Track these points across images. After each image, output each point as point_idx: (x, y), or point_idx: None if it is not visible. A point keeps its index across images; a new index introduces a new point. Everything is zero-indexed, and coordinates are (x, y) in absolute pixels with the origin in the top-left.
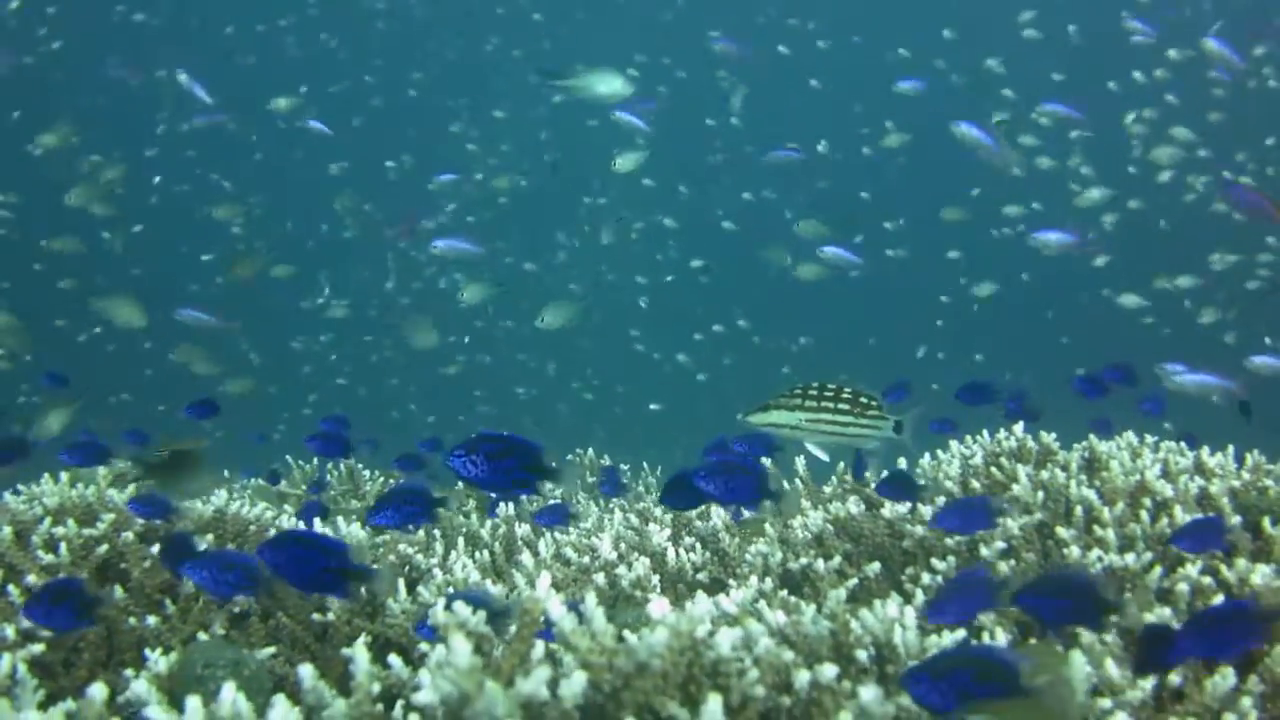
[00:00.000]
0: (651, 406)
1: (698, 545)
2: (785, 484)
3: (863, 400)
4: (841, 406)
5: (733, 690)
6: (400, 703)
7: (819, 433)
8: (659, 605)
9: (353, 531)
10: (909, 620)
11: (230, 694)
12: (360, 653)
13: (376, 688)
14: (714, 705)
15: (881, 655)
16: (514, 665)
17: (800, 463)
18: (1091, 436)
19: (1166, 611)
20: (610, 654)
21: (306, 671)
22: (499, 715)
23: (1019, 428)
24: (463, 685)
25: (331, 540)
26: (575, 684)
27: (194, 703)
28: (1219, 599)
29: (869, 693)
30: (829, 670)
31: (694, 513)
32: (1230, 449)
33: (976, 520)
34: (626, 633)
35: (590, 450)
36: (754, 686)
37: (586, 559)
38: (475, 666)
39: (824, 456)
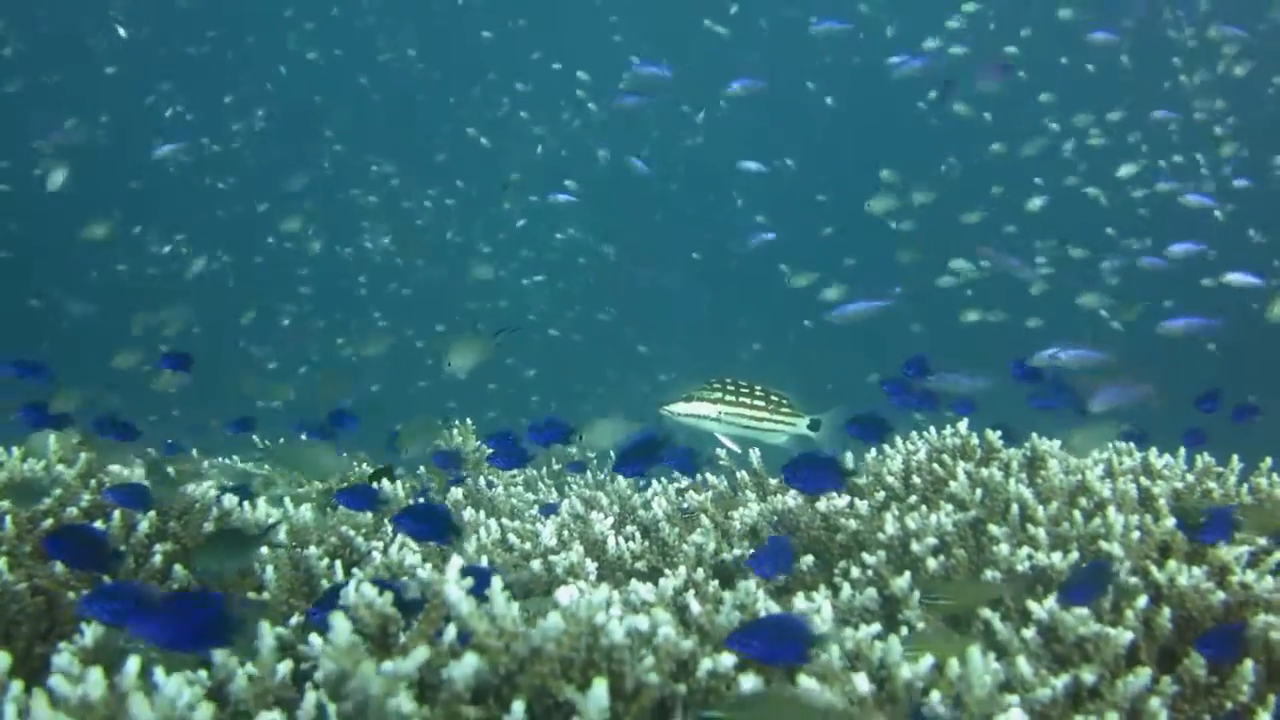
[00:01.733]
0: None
1: (637, 534)
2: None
3: (774, 398)
4: (757, 403)
5: (626, 676)
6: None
7: (735, 425)
8: (565, 592)
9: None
10: (826, 613)
11: (133, 667)
12: (266, 629)
13: (286, 667)
14: (599, 690)
15: None
16: (418, 646)
17: (755, 455)
18: (1034, 435)
19: (1084, 610)
20: (509, 637)
21: None
22: (374, 693)
23: (963, 425)
24: (342, 663)
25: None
26: (466, 665)
27: (95, 674)
28: (1143, 599)
29: (748, 681)
30: (727, 660)
31: (638, 501)
32: (1181, 451)
33: (824, 480)
34: (523, 617)
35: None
36: (648, 674)
37: (528, 545)
38: (354, 645)
39: (736, 449)
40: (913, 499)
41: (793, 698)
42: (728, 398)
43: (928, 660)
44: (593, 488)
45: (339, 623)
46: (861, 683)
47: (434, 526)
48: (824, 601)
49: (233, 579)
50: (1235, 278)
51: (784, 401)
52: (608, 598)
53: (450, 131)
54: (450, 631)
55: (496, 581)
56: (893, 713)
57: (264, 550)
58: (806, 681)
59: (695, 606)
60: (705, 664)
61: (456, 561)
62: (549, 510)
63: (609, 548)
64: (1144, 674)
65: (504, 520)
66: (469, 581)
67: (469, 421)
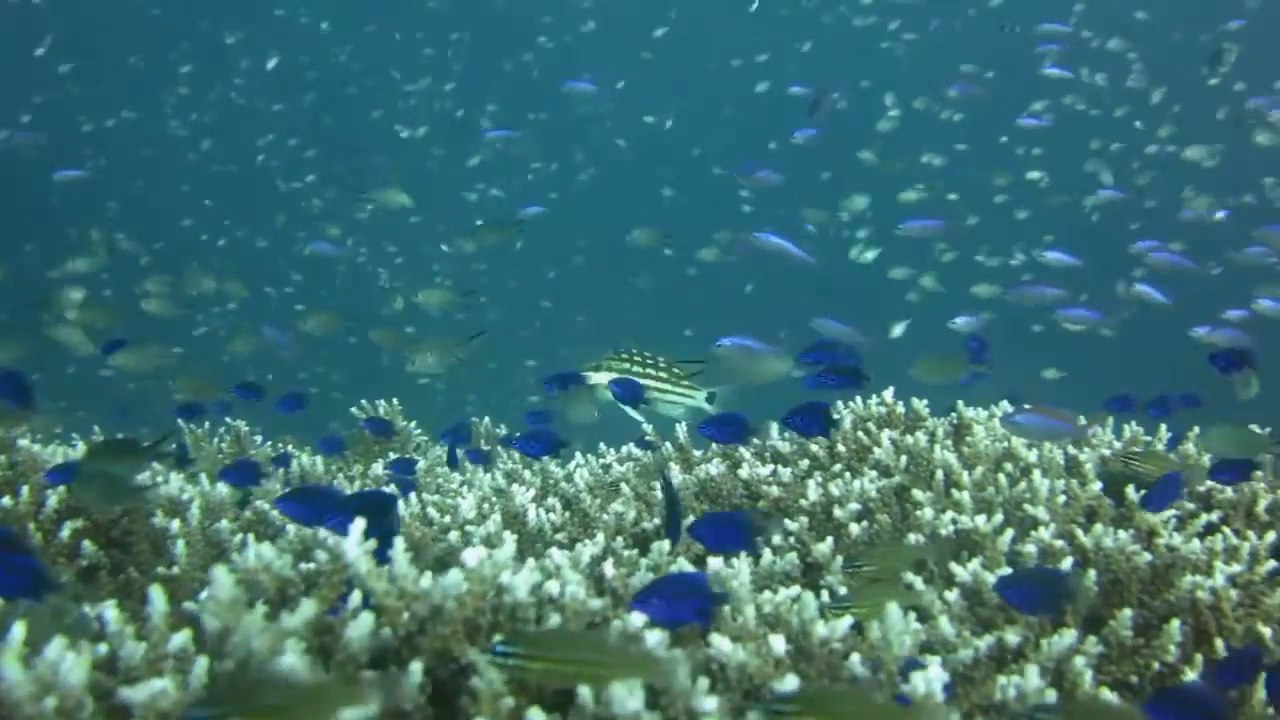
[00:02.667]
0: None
1: (558, 506)
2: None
3: (676, 370)
4: (661, 374)
5: None
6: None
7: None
8: (472, 553)
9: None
10: (744, 575)
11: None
12: (156, 593)
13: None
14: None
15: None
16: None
17: (681, 428)
18: (959, 403)
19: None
20: (410, 598)
21: (110, 615)
22: (256, 648)
23: (889, 393)
24: (224, 618)
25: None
26: (362, 625)
27: None
28: (1069, 561)
29: (653, 636)
30: (637, 619)
31: (560, 473)
32: (1110, 420)
33: (734, 434)
34: (426, 576)
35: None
36: None
37: (447, 518)
38: (235, 599)
39: (639, 418)
40: (837, 467)
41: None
42: (635, 368)
43: (845, 621)
44: (519, 463)
45: (221, 576)
46: (778, 643)
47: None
48: (743, 565)
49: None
50: (1053, 256)
51: (685, 374)
52: (512, 555)
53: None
54: (356, 596)
55: (399, 542)
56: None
57: (174, 526)
58: (720, 641)
59: (609, 570)
60: (615, 624)
61: (359, 524)
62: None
63: (529, 519)
64: (1069, 635)
65: (424, 495)
66: (371, 544)
67: (395, 402)
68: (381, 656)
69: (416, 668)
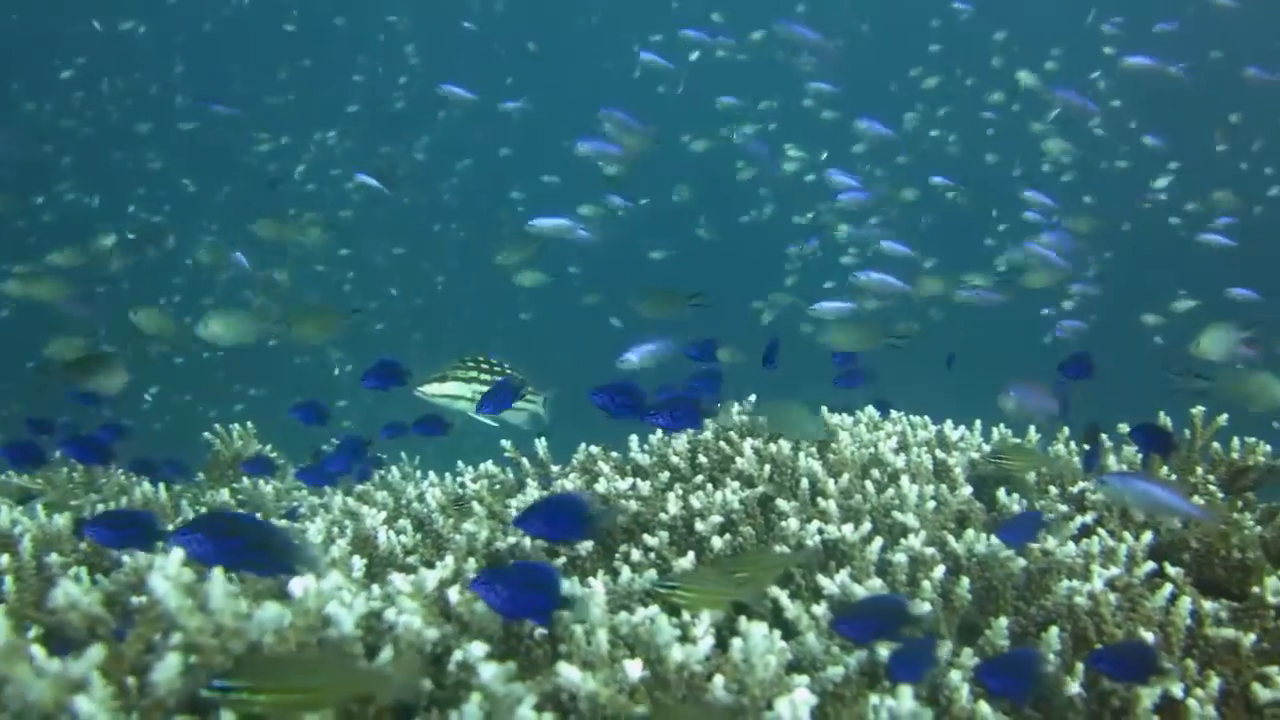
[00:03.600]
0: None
1: (409, 527)
2: None
3: (519, 377)
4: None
5: None
6: None
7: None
8: (298, 583)
9: None
10: (599, 598)
11: None
12: None
13: None
14: None
15: (553, 634)
16: (137, 650)
17: (541, 443)
18: (824, 409)
19: (877, 583)
20: (228, 635)
21: None
22: (34, 699)
23: (751, 399)
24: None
25: None
26: (169, 666)
27: None
28: (940, 570)
29: (487, 671)
30: (477, 649)
31: (413, 493)
32: (978, 423)
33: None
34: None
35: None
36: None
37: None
38: (12, 646)
39: (493, 424)
40: (699, 479)
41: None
42: (482, 376)
43: (707, 643)
44: (374, 485)
45: None
46: (634, 669)
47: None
48: (597, 585)
49: None
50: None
51: (527, 381)
52: (339, 584)
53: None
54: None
55: (217, 573)
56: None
57: (3, 559)
58: (568, 670)
59: (454, 596)
60: (456, 655)
61: (177, 554)
62: (292, 513)
63: (380, 542)
64: (943, 646)
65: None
66: (186, 574)
67: (249, 425)
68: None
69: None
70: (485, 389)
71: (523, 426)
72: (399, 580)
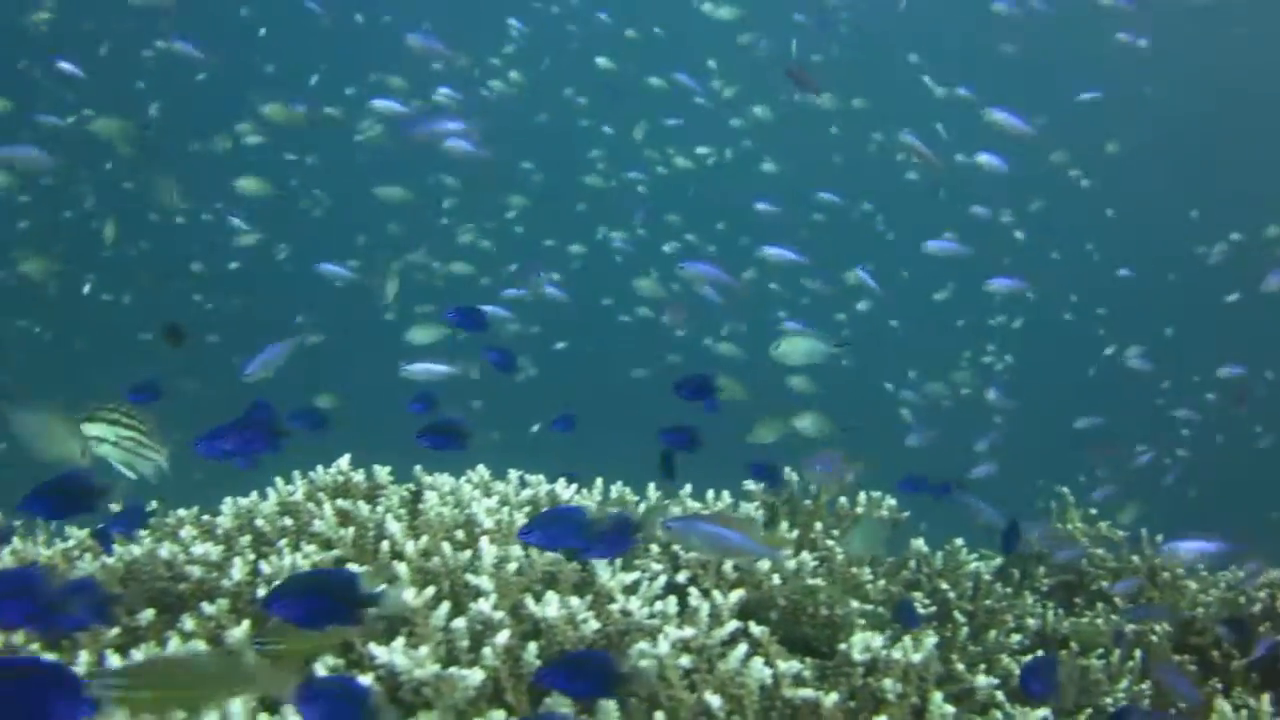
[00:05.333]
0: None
1: None
2: None
3: (143, 424)
4: (140, 425)
5: None
6: None
7: (128, 451)
8: None
9: None
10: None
11: None
12: None
13: None
14: None
15: None
16: None
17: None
18: (417, 469)
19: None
20: None
21: None
22: None
23: (344, 460)
24: None
25: None
26: None
27: None
28: (504, 635)
29: None
30: None
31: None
32: (599, 481)
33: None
34: None
35: None
36: None
37: None
38: None
39: (131, 475)
40: (282, 542)
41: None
42: (124, 419)
43: None
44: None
45: None
46: None
47: None
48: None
49: None
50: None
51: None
52: None
53: None
54: None
55: None
56: None
57: None
58: None
59: None
60: None
61: None
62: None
63: None
64: (496, 717)
65: None
66: None
67: None
68: None
69: None
70: (126, 432)
71: (146, 475)
72: None
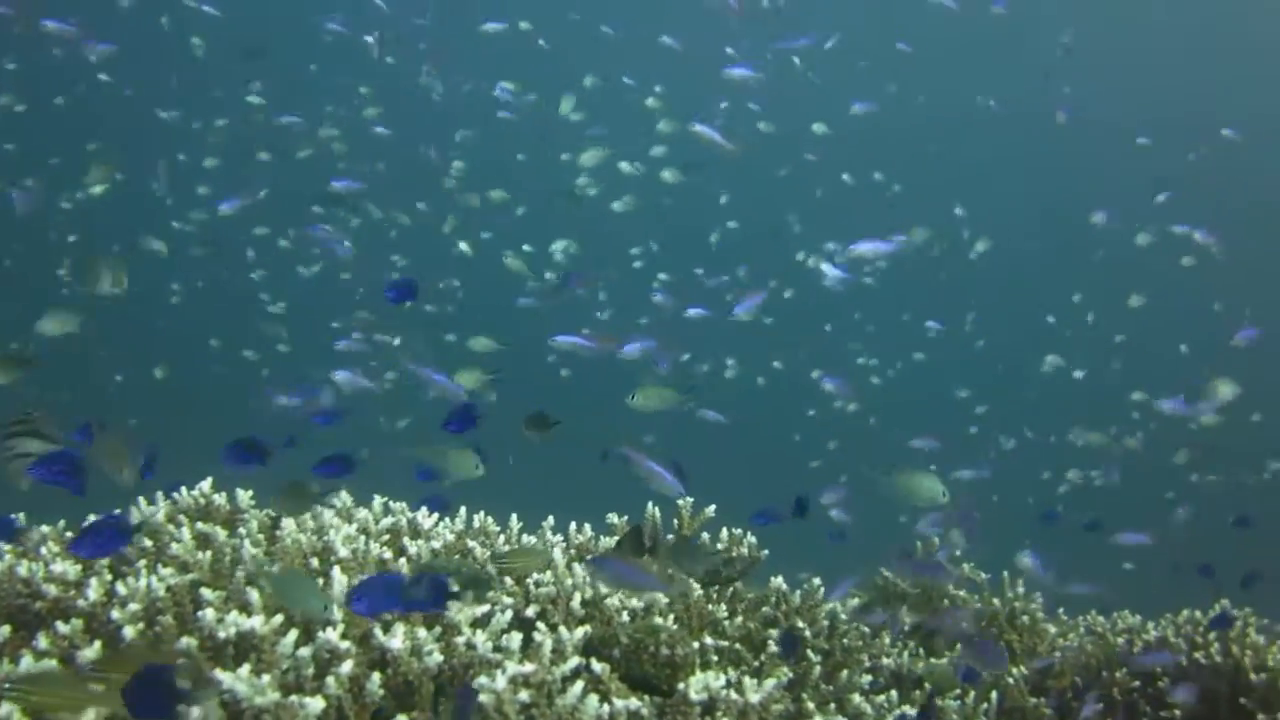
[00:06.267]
0: None
1: None
2: None
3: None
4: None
5: None
6: None
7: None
8: None
9: None
10: None
11: None
12: None
13: None
14: None
15: None
16: None
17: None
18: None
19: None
20: None
21: None
22: None
23: (207, 484)
24: None
25: None
26: None
27: None
28: (349, 664)
29: None
30: None
31: None
32: (463, 510)
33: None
34: None
35: None
36: None
37: None
38: None
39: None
40: (142, 563)
41: None
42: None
43: None
44: None
45: None
46: None
47: None
48: None
49: None
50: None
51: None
52: None
53: None
54: None
55: None
56: None
57: None
58: None
59: None
60: None
61: None
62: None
63: None
64: None
65: None
66: None
67: None
68: None
69: None
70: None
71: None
72: None
